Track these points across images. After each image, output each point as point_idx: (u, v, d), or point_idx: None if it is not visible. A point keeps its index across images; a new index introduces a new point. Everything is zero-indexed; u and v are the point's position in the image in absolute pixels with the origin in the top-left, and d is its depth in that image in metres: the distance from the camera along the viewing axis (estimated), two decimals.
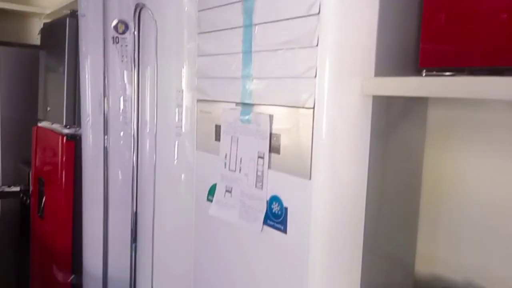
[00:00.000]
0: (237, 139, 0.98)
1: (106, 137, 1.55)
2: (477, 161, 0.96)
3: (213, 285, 1.06)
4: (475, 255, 0.98)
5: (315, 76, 0.79)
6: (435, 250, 1.03)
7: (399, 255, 0.99)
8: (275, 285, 0.90)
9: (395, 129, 0.92)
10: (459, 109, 0.98)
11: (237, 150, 0.99)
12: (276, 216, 0.89)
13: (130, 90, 1.50)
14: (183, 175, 1.26)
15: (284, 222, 0.88)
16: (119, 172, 1.55)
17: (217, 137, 1.05)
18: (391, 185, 0.93)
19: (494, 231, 0.94)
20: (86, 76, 1.59)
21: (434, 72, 0.76)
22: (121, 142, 1.54)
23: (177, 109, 1.25)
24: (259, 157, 0.93)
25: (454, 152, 1.00)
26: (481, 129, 0.95)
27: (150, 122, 1.35)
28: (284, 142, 0.88)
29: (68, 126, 1.79)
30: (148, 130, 1.37)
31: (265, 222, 0.92)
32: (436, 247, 1.03)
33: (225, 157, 1.02)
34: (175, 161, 1.27)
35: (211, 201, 1.06)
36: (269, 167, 0.91)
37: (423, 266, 1.04)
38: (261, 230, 0.92)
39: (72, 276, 1.74)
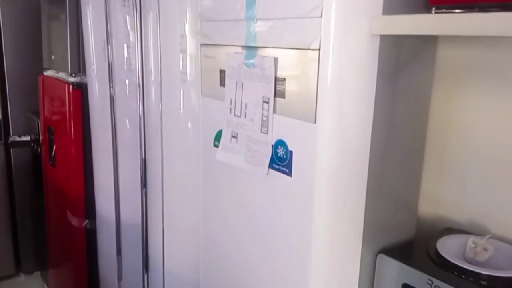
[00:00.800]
0: (242, 84, 0.97)
1: (111, 85, 1.55)
2: (487, 103, 0.95)
3: (221, 226, 1.10)
4: (479, 197, 0.98)
5: (321, 15, 0.77)
6: (439, 191, 1.04)
7: (403, 197, 1.00)
8: (282, 226, 0.92)
9: (402, 70, 0.90)
10: (470, 49, 0.95)
11: (242, 95, 0.98)
12: (281, 160, 0.90)
13: (134, 37, 1.47)
14: (189, 124, 1.26)
15: (289, 166, 0.88)
16: (127, 121, 1.56)
17: (222, 83, 1.04)
18: (397, 127, 0.92)
19: (499, 174, 0.95)
20: (88, 23, 1.56)
21: (444, 10, 0.73)
22: (127, 90, 1.53)
23: (181, 56, 1.23)
24: (264, 101, 0.92)
25: (462, 93, 0.98)
26: (493, 70, 0.93)
27: (154, 70, 1.34)
28: (289, 86, 0.87)
29: (73, 75, 1.78)
30: (153, 78, 1.36)
31: (270, 166, 0.93)
32: (441, 188, 1.04)
33: (230, 102, 1.01)
34: (181, 110, 1.27)
35: (218, 146, 1.07)
36: (274, 111, 0.90)
37: (427, 207, 1.06)
38: (267, 174, 0.93)
39: (86, 221, 1.80)
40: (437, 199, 1.05)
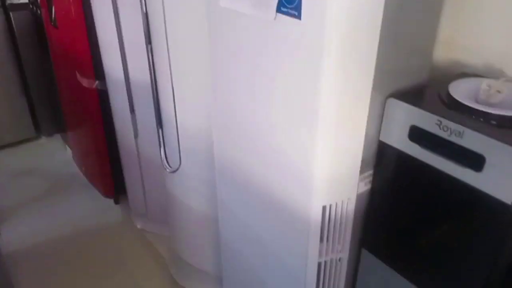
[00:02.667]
0: None
1: None
2: None
3: (230, 77, 1.08)
4: (498, 41, 0.94)
5: None
6: (456, 35, 0.99)
7: (418, 42, 0.95)
8: (291, 72, 0.90)
9: None
10: None
11: None
12: (289, 2, 0.84)
13: None
14: None
15: (298, 8, 0.83)
16: None
17: None
18: None
19: None
20: None
21: None
22: None
23: None
24: None
25: None
26: None
27: None
28: None
29: None
30: None
31: (278, 9, 0.87)
32: (458, 32, 0.98)
33: None
34: None
35: None
36: None
37: (443, 52, 1.02)
38: (274, 18, 0.88)
39: (96, 82, 1.81)
40: (454, 44, 1.00)
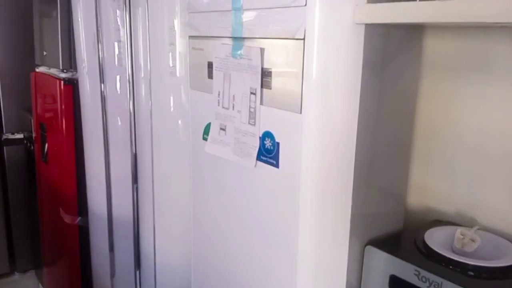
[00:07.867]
0: (230, 75, 0.97)
1: (102, 82, 1.54)
2: (474, 94, 0.94)
3: (211, 219, 1.09)
4: (467, 188, 0.98)
5: (305, 4, 0.76)
6: (427, 182, 1.03)
7: (391, 188, 0.99)
8: (269, 218, 0.91)
9: (389, 62, 0.89)
10: (457, 40, 0.95)
11: (229, 87, 0.97)
12: (268, 152, 0.89)
13: (124, 33, 1.47)
14: (180, 121, 1.26)
15: (276, 157, 0.88)
16: (118, 118, 1.55)
17: (210, 75, 1.03)
18: (384, 118, 0.92)
19: (487, 165, 0.94)
20: (79, 19, 1.55)
21: None
22: (118, 87, 1.53)
23: (170, 51, 1.23)
24: (251, 93, 0.91)
25: (450, 85, 0.97)
26: (480, 61, 0.92)
27: (144, 66, 1.33)
28: (275, 77, 0.86)
29: (65, 70, 1.77)
30: (142, 75, 1.35)
31: (258, 157, 0.92)
32: (429, 180, 1.03)
33: (218, 94, 1.01)
34: (172, 108, 1.26)
35: (207, 139, 1.06)
36: (261, 103, 0.90)
37: (415, 198, 1.05)
38: (255, 166, 0.93)
39: (79, 218, 1.79)
40: (426, 190, 1.04)
